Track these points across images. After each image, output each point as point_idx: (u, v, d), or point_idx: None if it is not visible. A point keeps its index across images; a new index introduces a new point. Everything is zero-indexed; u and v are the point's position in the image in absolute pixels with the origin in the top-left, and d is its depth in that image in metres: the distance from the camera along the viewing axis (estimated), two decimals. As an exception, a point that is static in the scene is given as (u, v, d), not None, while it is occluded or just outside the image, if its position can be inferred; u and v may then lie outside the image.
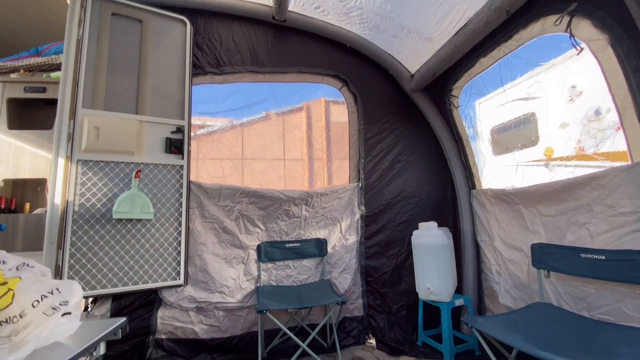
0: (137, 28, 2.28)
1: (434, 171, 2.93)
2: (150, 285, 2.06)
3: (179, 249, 2.18)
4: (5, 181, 2.42)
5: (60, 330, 0.55)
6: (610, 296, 1.55)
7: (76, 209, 1.92)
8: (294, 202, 2.54)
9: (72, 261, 1.88)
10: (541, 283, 1.86)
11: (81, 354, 0.54)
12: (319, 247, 2.58)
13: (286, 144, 2.87)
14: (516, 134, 2.25)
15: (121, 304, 2.05)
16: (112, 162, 2.04)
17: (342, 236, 2.66)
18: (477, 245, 2.57)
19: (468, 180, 2.70)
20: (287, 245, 2.51)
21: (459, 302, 2.36)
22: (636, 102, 1.41)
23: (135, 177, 2.03)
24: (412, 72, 2.72)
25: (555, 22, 1.62)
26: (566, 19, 1.58)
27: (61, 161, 1.93)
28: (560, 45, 1.65)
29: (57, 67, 2.54)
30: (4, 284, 0.53)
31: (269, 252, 2.45)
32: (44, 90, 2.49)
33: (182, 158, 2.25)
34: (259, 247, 2.43)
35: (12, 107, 2.54)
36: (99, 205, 1.97)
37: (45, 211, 1.95)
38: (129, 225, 2.03)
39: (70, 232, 1.88)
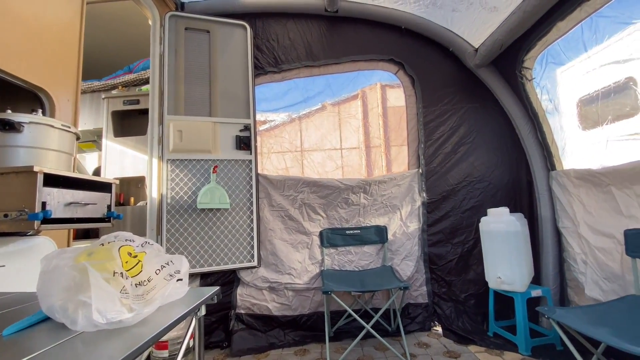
0: (206, 38, 2.53)
1: (505, 152, 2.71)
2: (230, 266, 2.35)
3: (251, 234, 2.43)
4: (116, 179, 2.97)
5: (176, 293, 0.72)
6: None
7: (169, 201, 2.26)
8: (352, 191, 2.60)
9: (168, 245, 2.23)
10: (637, 274, 1.63)
11: (191, 311, 0.69)
12: (379, 234, 2.61)
13: (343, 134, 2.92)
14: (606, 105, 1.96)
15: (207, 281, 2.38)
16: (194, 159, 2.34)
17: (403, 223, 2.65)
18: (557, 232, 2.33)
19: (546, 161, 2.44)
20: (347, 232, 2.60)
21: (535, 292, 2.18)
22: None
23: (213, 172, 2.31)
24: (476, 47, 2.53)
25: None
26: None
27: (155, 161, 2.30)
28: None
29: (147, 81, 2.98)
30: (135, 256, 0.71)
31: (331, 238, 2.57)
32: (138, 102, 2.95)
33: (250, 153, 2.48)
34: (321, 234, 2.57)
35: (115, 119, 3.07)
36: (185, 198, 2.30)
37: (146, 203, 2.34)
38: (210, 214, 2.34)
39: (165, 221, 2.24)
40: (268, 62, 2.68)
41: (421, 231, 2.64)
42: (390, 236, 2.62)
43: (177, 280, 0.70)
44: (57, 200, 1.19)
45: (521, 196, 2.65)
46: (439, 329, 2.49)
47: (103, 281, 0.58)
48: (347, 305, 2.09)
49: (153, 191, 2.28)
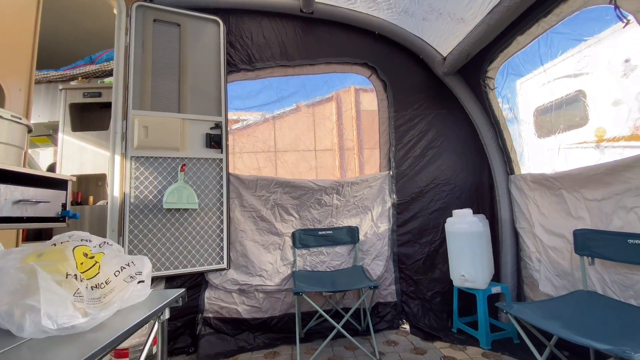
0: (176, 31, 2.44)
1: (469, 157, 2.85)
2: (198, 268, 2.26)
3: (221, 235, 2.36)
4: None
5: (136, 295, 0.67)
6: (664, 284, 1.46)
7: (132, 200, 2.15)
8: (325, 192, 2.61)
9: (130, 247, 2.11)
10: (584, 270, 1.78)
11: (152, 315, 0.65)
12: (350, 235, 2.64)
13: (317, 135, 2.93)
14: (558, 115, 2.12)
15: (173, 285, 2.28)
16: (161, 157, 2.24)
17: (374, 224, 2.70)
18: (515, 232, 2.49)
19: (506, 166, 2.60)
20: (320, 232, 2.61)
21: (495, 289, 2.31)
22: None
23: (180, 171, 2.23)
24: (444, 55, 2.64)
25: (601, -9, 1.50)
26: (614, -13, 1.46)
27: (117, 158, 2.17)
28: (604, 18, 1.52)
29: (110, 73, 2.81)
30: (92, 257, 0.66)
31: (303, 239, 2.56)
32: (99, 94, 2.77)
33: (221, 152, 2.41)
34: (293, 235, 2.56)
35: (74, 112, 2.87)
36: (150, 197, 2.19)
37: (107, 203, 2.21)
38: (177, 215, 2.24)
39: (128, 221, 2.12)
40: (241, 60, 2.63)
41: (391, 231, 2.70)
42: (361, 236, 2.66)
43: (139, 282, 0.66)
44: (4, 197, 1.09)
45: (483, 198, 2.80)
46: (406, 326, 2.56)
47: (54, 284, 0.53)
48: (318, 305, 2.09)
49: (115, 190, 2.15)
